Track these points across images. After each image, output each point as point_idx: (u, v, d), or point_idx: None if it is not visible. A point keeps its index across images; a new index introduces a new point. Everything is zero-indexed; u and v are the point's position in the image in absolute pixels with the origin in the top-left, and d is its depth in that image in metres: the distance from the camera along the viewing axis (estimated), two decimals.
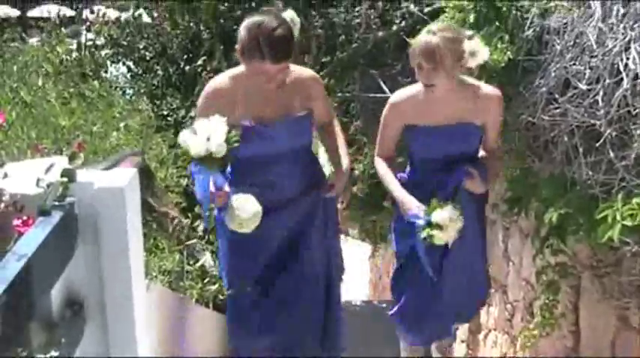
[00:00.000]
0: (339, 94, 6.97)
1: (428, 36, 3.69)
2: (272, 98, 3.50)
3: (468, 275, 4.20)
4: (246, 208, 3.33)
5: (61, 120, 4.98)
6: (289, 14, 3.39)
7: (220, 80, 3.58)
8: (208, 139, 3.17)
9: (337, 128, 3.89)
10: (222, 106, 3.41)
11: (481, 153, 4.09)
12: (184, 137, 3.25)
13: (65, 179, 2.47)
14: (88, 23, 9.92)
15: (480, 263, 4.32)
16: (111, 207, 2.56)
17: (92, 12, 9.96)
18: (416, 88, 3.93)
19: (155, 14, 8.95)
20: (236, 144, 3.25)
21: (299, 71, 3.65)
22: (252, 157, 3.54)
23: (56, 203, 2.45)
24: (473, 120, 3.91)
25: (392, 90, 6.62)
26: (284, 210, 3.68)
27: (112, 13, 10.51)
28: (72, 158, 2.57)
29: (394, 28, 6.55)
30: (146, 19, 9.18)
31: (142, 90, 8.44)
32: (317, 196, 3.76)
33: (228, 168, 3.52)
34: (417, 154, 4.06)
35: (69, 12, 15.60)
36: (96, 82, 7.50)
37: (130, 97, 8.47)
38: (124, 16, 9.68)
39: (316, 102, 3.70)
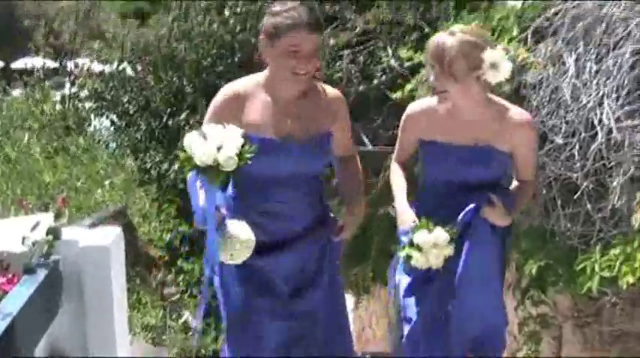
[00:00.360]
0: None
1: (444, 36, 3.27)
2: (292, 110, 3.18)
3: (479, 317, 3.52)
4: (240, 235, 2.98)
5: (46, 176, 5.00)
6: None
7: (240, 83, 3.23)
8: (219, 149, 2.80)
9: (358, 166, 3.52)
10: (238, 112, 3.13)
11: (514, 183, 3.54)
12: (191, 140, 2.82)
13: (50, 237, 2.50)
14: (72, 76, 9.99)
15: (497, 308, 3.57)
16: (96, 265, 2.58)
17: (76, 65, 10.03)
18: (436, 100, 3.44)
19: (139, 68, 9.02)
20: (249, 162, 2.86)
21: (324, 87, 3.30)
22: (262, 176, 3.14)
23: (41, 261, 2.48)
24: (497, 145, 3.38)
25: (373, 143, 6.78)
26: (290, 250, 3.27)
27: (96, 67, 10.59)
28: (57, 216, 2.60)
29: (375, 82, 6.68)
30: (130, 72, 9.23)
31: (125, 144, 8.45)
32: (326, 239, 3.35)
33: (231, 190, 3.22)
34: (431, 174, 3.56)
35: (52, 64, 15.70)
36: (81, 139, 7.52)
37: (113, 151, 8.48)
38: (107, 69, 9.74)
39: (340, 126, 3.31)
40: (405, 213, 3.45)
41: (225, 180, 2.98)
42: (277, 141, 3.10)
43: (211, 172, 2.83)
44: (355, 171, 3.47)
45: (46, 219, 2.62)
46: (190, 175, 2.99)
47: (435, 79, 3.29)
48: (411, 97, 5.06)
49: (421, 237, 3.26)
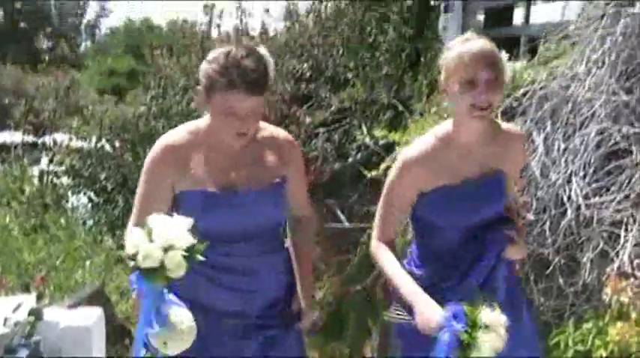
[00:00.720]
0: None
1: (475, 42, 2.72)
2: (239, 157, 2.79)
3: None
4: (181, 323, 2.48)
5: (25, 255, 5.02)
6: (263, 50, 2.76)
7: (176, 134, 2.80)
8: (165, 251, 2.40)
9: (313, 233, 3.10)
10: (176, 165, 2.72)
11: None
12: (136, 238, 2.42)
13: (32, 318, 2.54)
14: (51, 153, 10.02)
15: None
16: (77, 346, 2.60)
17: (55, 143, 10.08)
18: (432, 138, 2.87)
19: (117, 145, 9.08)
20: (198, 260, 2.44)
21: (273, 129, 2.92)
22: (217, 232, 2.69)
23: (23, 341, 2.50)
24: (502, 166, 2.90)
25: (349, 220, 6.87)
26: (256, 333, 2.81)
27: (74, 143, 10.64)
28: (39, 297, 2.64)
29: (350, 160, 6.82)
30: (108, 149, 9.28)
31: (103, 221, 8.47)
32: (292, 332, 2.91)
33: None
34: (440, 228, 2.88)
35: (31, 138, 15.70)
36: (62, 219, 7.52)
37: (90, 228, 8.49)
38: (85, 146, 9.78)
39: (294, 170, 2.91)
40: (426, 306, 2.67)
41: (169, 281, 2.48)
42: (223, 194, 2.73)
43: (155, 275, 2.43)
44: (308, 240, 3.06)
45: (28, 300, 2.65)
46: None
47: (485, 93, 2.67)
48: (386, 175, 5.18)
49: (489, 316, 2.51)
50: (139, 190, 2.77)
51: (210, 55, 2.71)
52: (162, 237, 2.40)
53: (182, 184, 2.71)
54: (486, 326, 2.49)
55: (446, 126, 2.86)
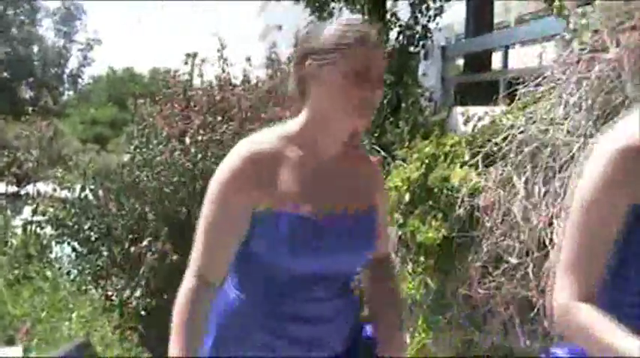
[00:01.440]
0: None
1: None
2: (333, 174, 2.24)
3: None
4: None
5: (10, 307, 5.00)
6: None
7: (263, 139, 2.19)
8: None
9: (394, 275, 2.54)
10: (261, 180, 2.12)
11: None
12: None
13: None
14: (34, 204, 10.02)
15: None
16: None
17: (39, 193, 10.10)
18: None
19: (100, 194, 9.07)
20: None
21: (361, 151, 2.42)
22: (301, 268, 2.16)
23: None
24: None
25: None
26: None
27: (58, 193, 10.66)
28: (25, 350, 2.63)
29: None
30: (91, 199, 9.27)
31: (87, 271, 8.42)
32: None
33: (233, 292, 2.24)
34: None
35: (14, 188, 15.70)
36: (48, 272, 7.51)
37: (74, 278, 8.45)
38: (69, 196, 9.78)
39: (381, 199, 2.41)
40: None
41: None
42: (318, 220, 2.15)
43: None
44: (395, 278, 2.52)
45: (15, 354, 2.65)
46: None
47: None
48: None
49: None
50: (209, 216, 2.15)
51: (328, 26, 2.17)
52: None
53: (263, 203, 2.13)
54: None
55: None
